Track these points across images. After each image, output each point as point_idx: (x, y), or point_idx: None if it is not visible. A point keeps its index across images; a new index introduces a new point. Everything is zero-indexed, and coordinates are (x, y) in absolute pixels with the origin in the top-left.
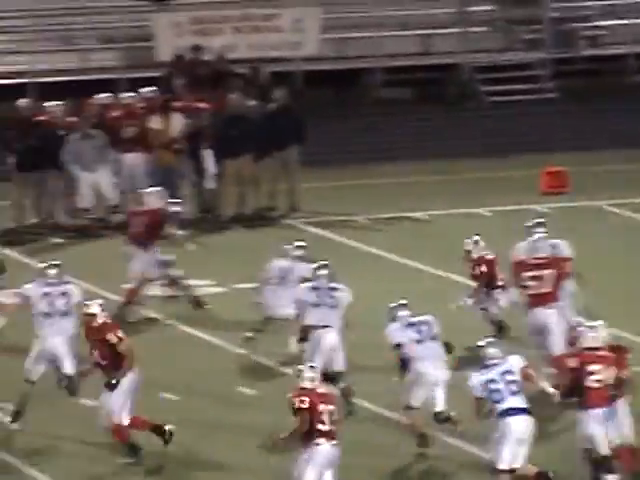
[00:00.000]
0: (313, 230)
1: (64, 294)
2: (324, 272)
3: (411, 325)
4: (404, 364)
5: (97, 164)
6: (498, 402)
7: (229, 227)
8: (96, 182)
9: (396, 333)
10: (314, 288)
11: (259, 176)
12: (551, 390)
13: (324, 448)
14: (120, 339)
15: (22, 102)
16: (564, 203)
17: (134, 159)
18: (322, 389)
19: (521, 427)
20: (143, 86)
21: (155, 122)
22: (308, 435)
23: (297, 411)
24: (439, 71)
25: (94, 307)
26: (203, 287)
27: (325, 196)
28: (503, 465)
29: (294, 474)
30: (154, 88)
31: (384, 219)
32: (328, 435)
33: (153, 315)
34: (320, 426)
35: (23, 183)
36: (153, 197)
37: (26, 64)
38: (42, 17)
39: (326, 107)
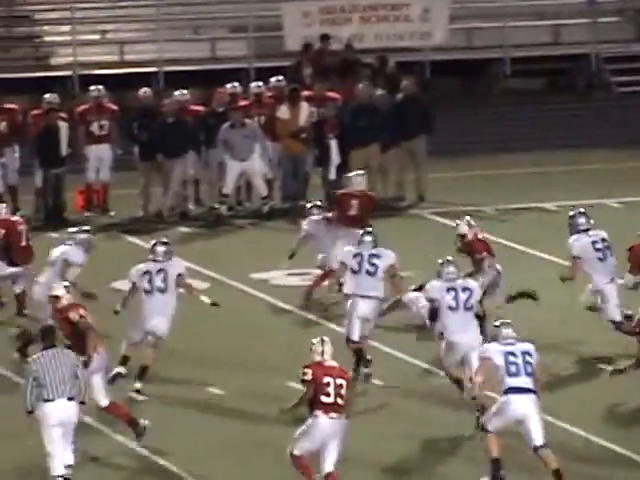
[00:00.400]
0: (440, 220)
1: (162, 271)
2: (369, 239)
3: (451, 290)
4: (432, 314)
5: (248, 153)
6: (512, 375)
7: None
8: (244, 171)
9: (435, 290)
10: (356, 255)
11: (386, 166)
12: None
13: (322, 421)
14: (82, 317)
15: (143, 91)
16: None
17: None
18: (332, 363)
19: (523, 407)
20: (271, 75)
21: (283, 112)
22: (312, 407)
23: (303, 382)
24: (568, 61)
25: (58, 289)
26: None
27: (452, 186)
28: (491, 427)
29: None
30: (282, 77)
31: (512, 209)
32: (330, 408)
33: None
34: (323, 398)
35: (148, 172)
36: (360, 179)
37: (155, 53)
38: (172, 5)
39: (454, 97)
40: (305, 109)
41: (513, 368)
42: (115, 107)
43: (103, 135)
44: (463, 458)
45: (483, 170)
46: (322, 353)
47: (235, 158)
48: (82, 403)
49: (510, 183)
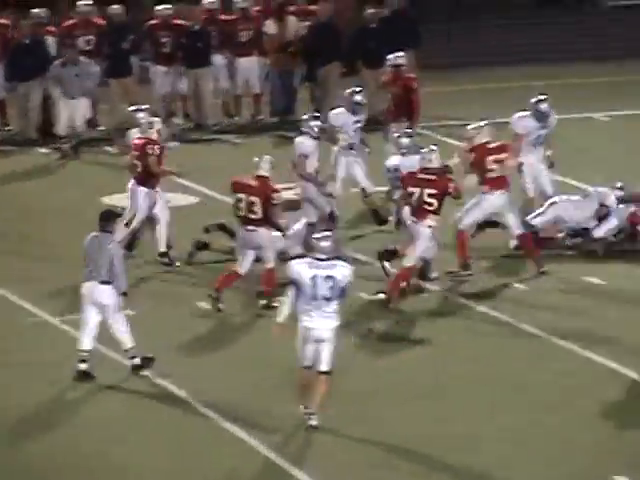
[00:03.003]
0: (430, 134)
1: None
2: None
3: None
4: None
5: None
6: None
7: None
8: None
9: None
10: None
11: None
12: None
13: (241, 232)
14: None
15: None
16: None
17: (249, 63)
18: (254, 181)
19: None
20: None
21: (270, 26)
22: None
23: None
24: None
25: None
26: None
27: (443, 101)
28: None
29: None
30: None
31: (504, 123)
32: (242, 220)
33: None
34: (235, 211)
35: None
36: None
37: None
38: None
39: (441, 11)
40: (292, 23)
41: None
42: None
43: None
44: None
45: (474, 84)
46: (256, 167)
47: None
48: (123, 294)
49: (500, 97)
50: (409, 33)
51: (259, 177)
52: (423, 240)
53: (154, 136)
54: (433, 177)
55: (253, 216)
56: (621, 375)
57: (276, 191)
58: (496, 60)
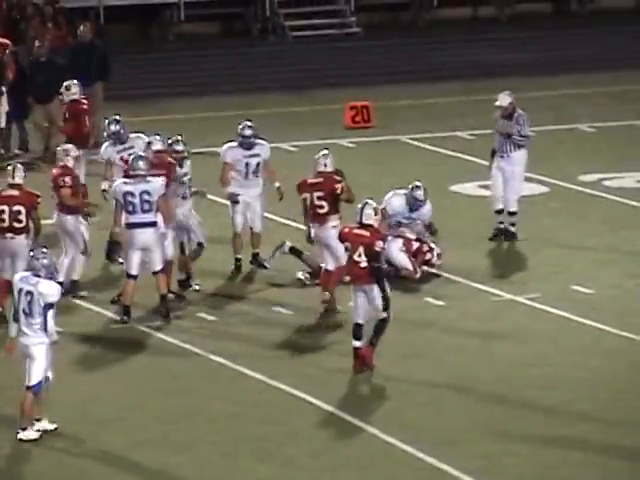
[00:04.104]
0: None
1: None
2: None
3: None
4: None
5: None
6: (130, 213)
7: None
8: None
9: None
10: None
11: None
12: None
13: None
14: None
15: None
16: (368, 137)
17: None
18: (12, 192)
19: (143, 238)
20: None
21: None
22: None
23: None
24: (242, 5)
25: None
26: None
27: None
28: (132, 271)
29: None
30: None
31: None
32: (5, 230)
33: None
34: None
35: None
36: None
37: None
38: None
39: (129, 43)
40: None
41: (130, 207)
42: None
43: None
44: None
45: (160, 115)
46: (11, 176)
47: None
48: None
49: (186, 128)
50: (97, 65)
51: (16, 185)
52: (334, 240)
53: (70, 164)
54: (321, 180)
55: (18, 225)
56: (310, 404)
57: (38, 196)
58: (182, 91)
